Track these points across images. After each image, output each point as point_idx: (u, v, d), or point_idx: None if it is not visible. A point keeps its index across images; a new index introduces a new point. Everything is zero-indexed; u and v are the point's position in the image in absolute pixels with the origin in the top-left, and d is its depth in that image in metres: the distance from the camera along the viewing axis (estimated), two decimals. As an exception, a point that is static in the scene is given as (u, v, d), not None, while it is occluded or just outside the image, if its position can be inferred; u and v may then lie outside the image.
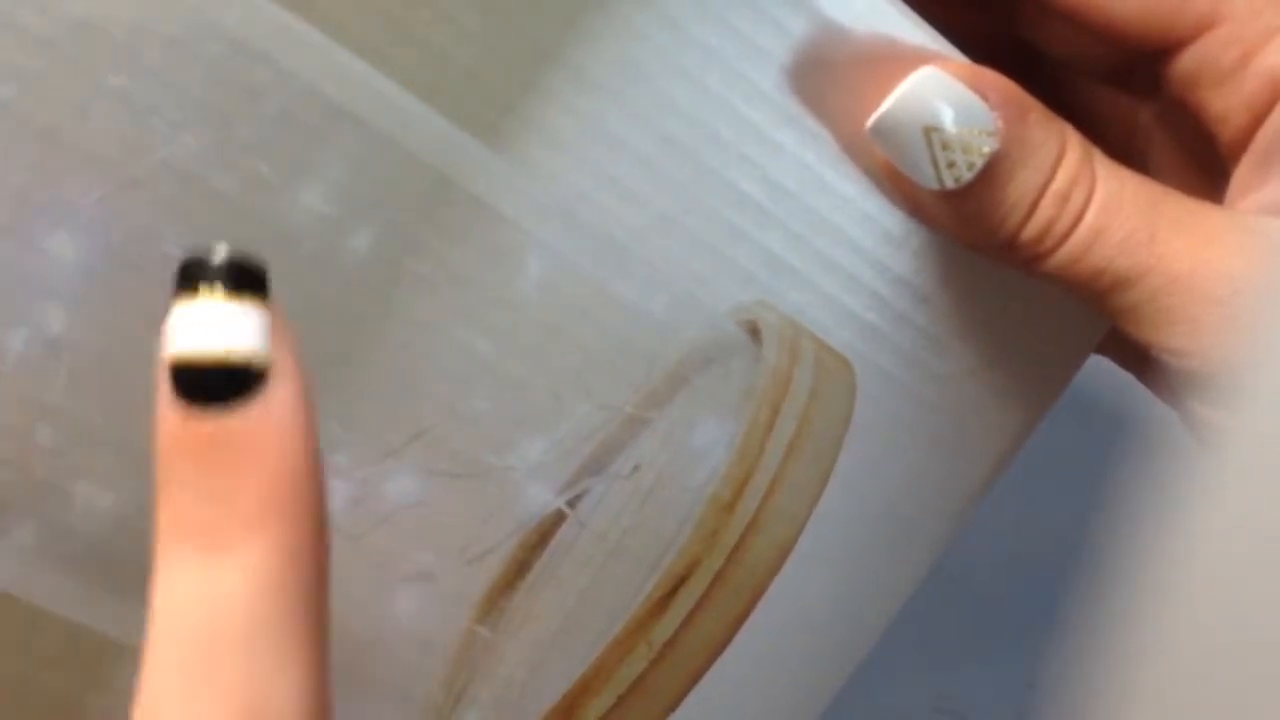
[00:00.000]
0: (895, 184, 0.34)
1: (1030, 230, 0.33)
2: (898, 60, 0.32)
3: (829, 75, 0.33)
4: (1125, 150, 0.35)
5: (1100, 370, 0.39)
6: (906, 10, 0.33)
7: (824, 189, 0.33)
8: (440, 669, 0.34)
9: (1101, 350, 0.38)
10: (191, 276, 0.25)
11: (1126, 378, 0.39)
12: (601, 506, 0.34)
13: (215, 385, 0.25)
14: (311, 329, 0.30)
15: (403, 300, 0.31)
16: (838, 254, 0.34)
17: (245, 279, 0.25)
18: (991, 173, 0.32)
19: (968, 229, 0.33)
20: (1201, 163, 0.35)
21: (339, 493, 0.31)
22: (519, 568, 0.34)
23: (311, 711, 0.25)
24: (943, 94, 0.32)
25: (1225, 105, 0.34)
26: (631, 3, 0.31)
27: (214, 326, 0.25)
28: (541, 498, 0.33)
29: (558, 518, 0.34)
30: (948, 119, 0.32)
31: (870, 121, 0.32)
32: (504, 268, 0.31)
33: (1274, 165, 0.34)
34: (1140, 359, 0.36)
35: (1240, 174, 0.34)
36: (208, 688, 0.24)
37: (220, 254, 0.25)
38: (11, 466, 0.29)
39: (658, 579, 0.35)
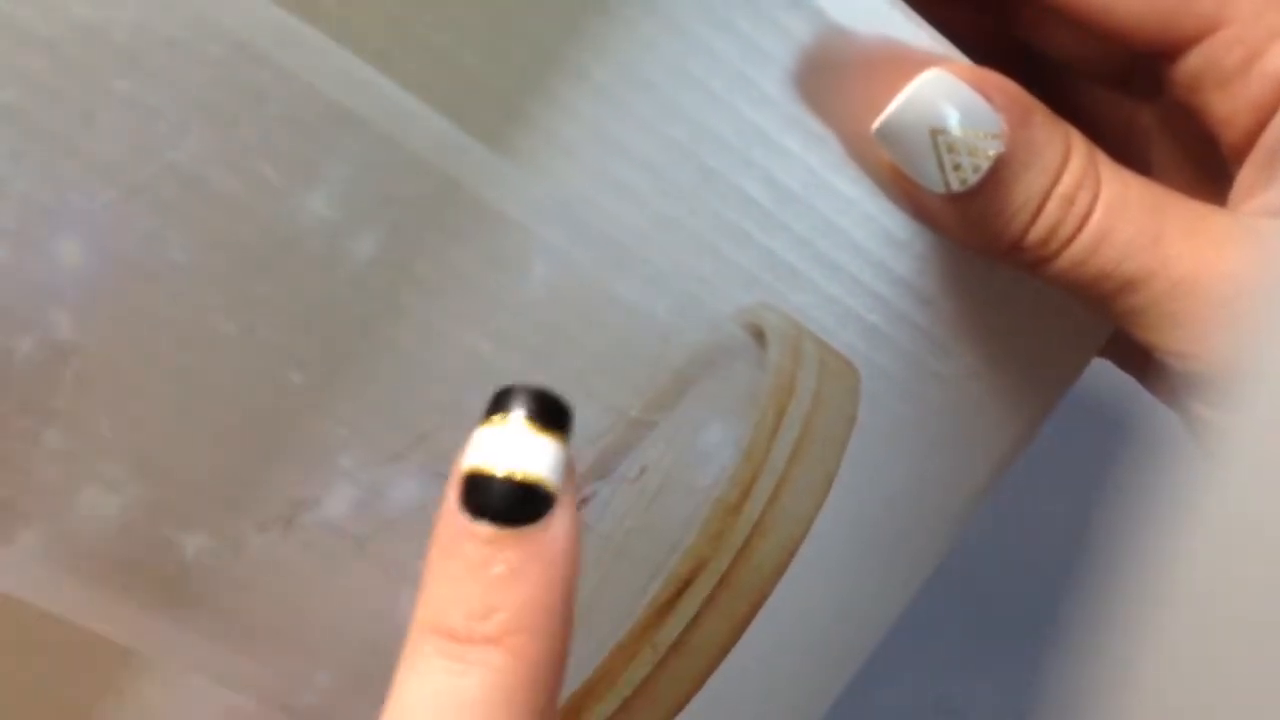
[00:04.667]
0: (900, 187, 0.34)
1: (1036, 233, 0.33)
2: (903, 63, 0.32)
3: (834, 78, 0.33)
4: (1127, 153, 0.35)
5: (1101, 371, 0.39)
6: (910, 13, 0.33)
7: (828, 191, 0.33)
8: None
9: (1101, 352, 0.38)
10: (504, 403, 0.27)
11: (1127, 379, 0.39)
12: (607, 509, 0.34)
13: (504, 499, 0.27)
14: (316, 332, 0.30)
15: (407, 303, 0.31)
16: (841, 256, 0.34)
17: (554, 414, 0.27)
18: (997, 175, 0.32)
19: (973, 231, 0.33)
20: (1204, 165, 0.35)
21: (344, 495, 0.31)
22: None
23: None
24: (948, 96, 0.32)
25: (1229, 108, 0.34)
26: (636, 6, 0.31)
27: (515, 449, 0.27)
28: None
29: None
30: (953, 122, 0.32)
31: (876, 124, 0.32)
32: (508, 270, 0.31)
33: (1278, 168, 0.34)
34: (1141, 361, 0.36)
35: (1244, 176, 0.34)
36: None
37: (532, 388, 0.27)
38: (19, 470, 0.29)
39: (663, 582, 0.35)
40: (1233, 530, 0.20)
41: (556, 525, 0.27)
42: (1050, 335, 0.37)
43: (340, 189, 0.29)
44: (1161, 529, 0.20)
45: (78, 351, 0.29)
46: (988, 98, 0.32)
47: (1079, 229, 0.33)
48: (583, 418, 0.33)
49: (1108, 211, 0.33)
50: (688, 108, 0.32)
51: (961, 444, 0.37)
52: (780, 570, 0.36)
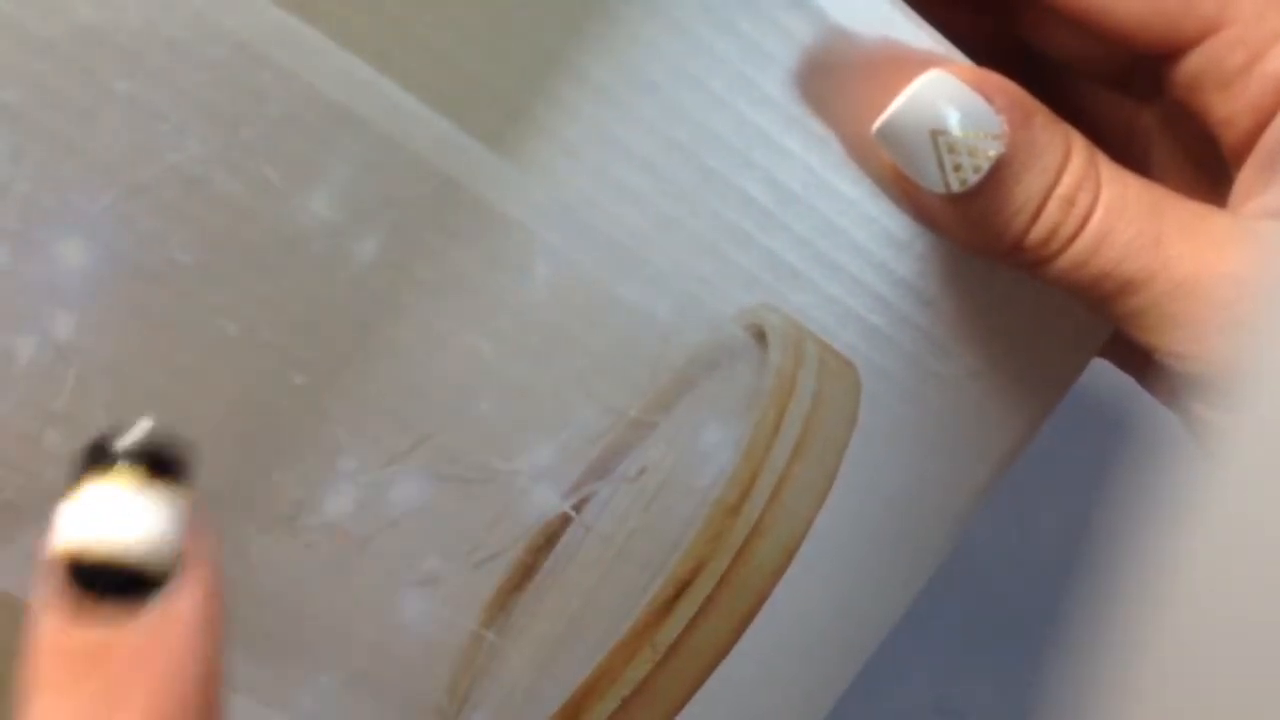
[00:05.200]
0: (901, 187, 0.34)
1: (1036, 234, 0.33)
2: (903, 64, 0.32)
3: (834, 79, 0.33)
4: (1127, 154, 0.35)
5: (1101, 372, 0.39)
6: (910, 14, 0.33)
7: (829, 192, 0.33)
8: (445, 673, 0.34)
9: (1101, 353, 0.38)
10: (98, 457, 0.23)
11: (1127, 379, 0.39)
12: (607, 510, 0.34)
13: (108, 584, 0.23)
14: (317, 333, 0.30)
15: (408, 304, 0.31)
16: (842, 257, 0.34)
17: (160, 464, 0.23)
18: (997, 176, 0.32)
19: (973, 232, 0.33)
20: (1204, 167, 0.35)
21: (346, 496, 0.31)
22: (524, 571, 0.34)
23: None
24: (949, 97, 0.32)
25: (1230, 109, 0.34)
26: (637, 7, 0.31)
27: (115, 516, 0.22)
28: (547, 501, 0.33)
29: (563, 521, 0.34)
30: (954, 122, 0.32)
31: (876, 125, 0.32)
32: (510, 272, 0.31)
33: (1278, 169, 0.34)
34: (1140, 362, 0.36)
35: (1244, 178, 0.34)
36: None
37: (134, 435, 0.23)
38: (20, 471, 0.29)
39: (663, 582, 0.35)
40: (1233, 530, 0.20)
41: (179, 600, 0.23)
42: (1050, 336, 0.37)
43: (341, 190, 0.29)
44: (1161, 529, 0.20)
45: (79, 352, 0.29)
46: (988, 99, 0.32)
47: (1079, 230, 0.33)
48: (583, 418, 0.33)
49: (1108, 213, 0.33)
50: (689, 108, 0.32)
51: (962, 444, 0.37)
52: (780, 571, 0.36)
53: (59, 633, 0.23)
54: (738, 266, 0.33)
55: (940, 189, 0.32)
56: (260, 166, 0.29)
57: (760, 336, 0.34)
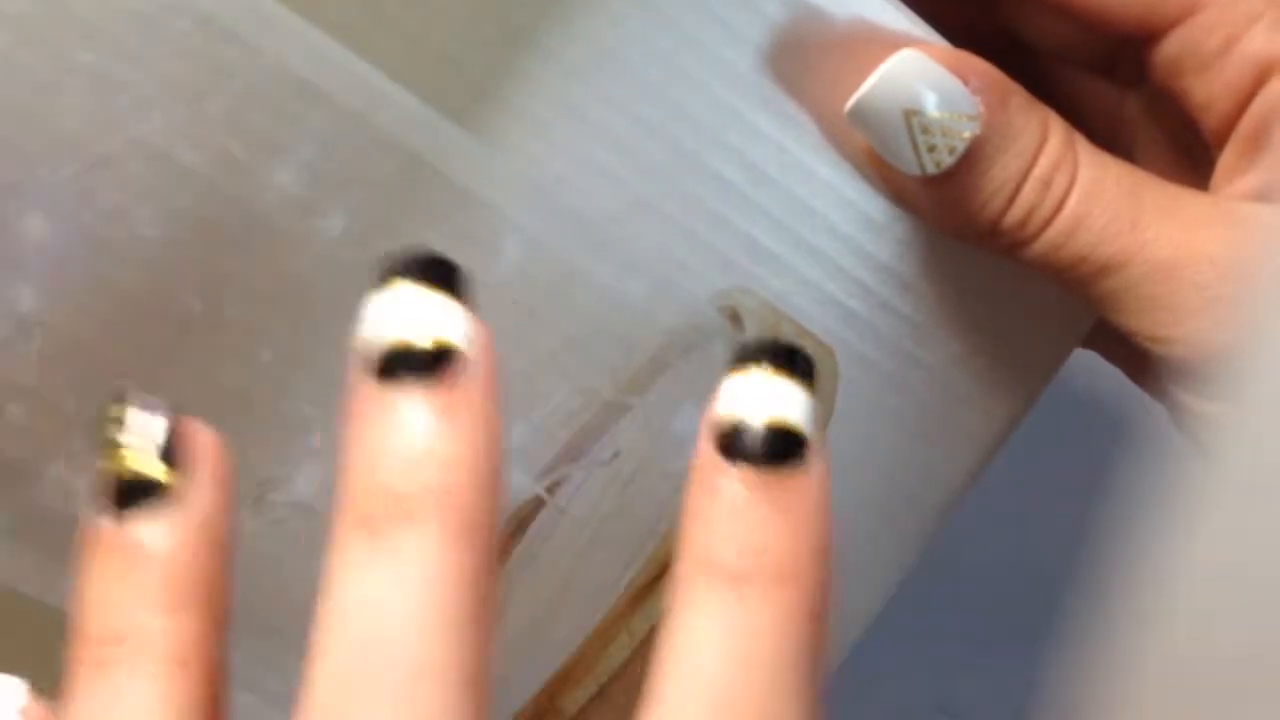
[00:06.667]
0: (876, 169, 0.33)
1: (1012, 216, 0.33)
2: (877, 43, 0.32)
3: (808, 59, 0.32)
4: (1110, 139, 0.35)
5: (1100, 370, 0.38)
6: None
7: (804, 174, 0.33)
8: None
9: (1089, 345, 0.38)
10: (750, 354, 0.27)
11: (1126, 379, 0.38)
12: (581, 493, 0.34)
13: (764, 444, 0.26)
14: (284, 310, 0.30)
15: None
16: (819, 240, 0.34)
17: (795, 361, 0.27)
18: (973, 158, 0.32)
19: (949, 215, 0.33)
20: (1186, 150, 0.35)
21: (313, 474, 0.31)
22: (497, 554, 0.34)
23: None
24: (923, 77, 0.32)
25: (1208, 92, 0.33)
26: None
27: (769, 396, 0.27)
28: (519, 483, 0.33)
29: (536, 504, 0.33)
30: (928, 102, 0.32)
31: (849, 104, 0.32)
32: (479, 251, 0.31)
33: (1258, 151, 0.33)
34: (1130, 354, 0.36)
35: (1225, 160, 0.34)
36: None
37: (768, 340, 0.27)
38: None
39: (639, 567, 0.35)
40: (1232, 528, 0.19)
41: (814, 469, 0.27)
42: (1033, 322, 0.37)
43: (308, 166, 0.29)
44: (1161, 528, 0.20)
45: (42, 326, 0.29)
46: (964, 79, 0.32)
47: (1056, 212, 0.33)
48: (555, 399, 0.33)
49: (1085, 195, 0.33)
50: (660, 87, 0.32)
51: (943, 432, 0.37)
52: (759, 557, 0.36)
53: (721, 476, 0.26)
54: (712, 248, 0.33)
55: (915, 170, 0.32)
56: (225, 141, 0.29)
57: (735, 319, 0.34)
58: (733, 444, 0.26)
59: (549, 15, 0.30)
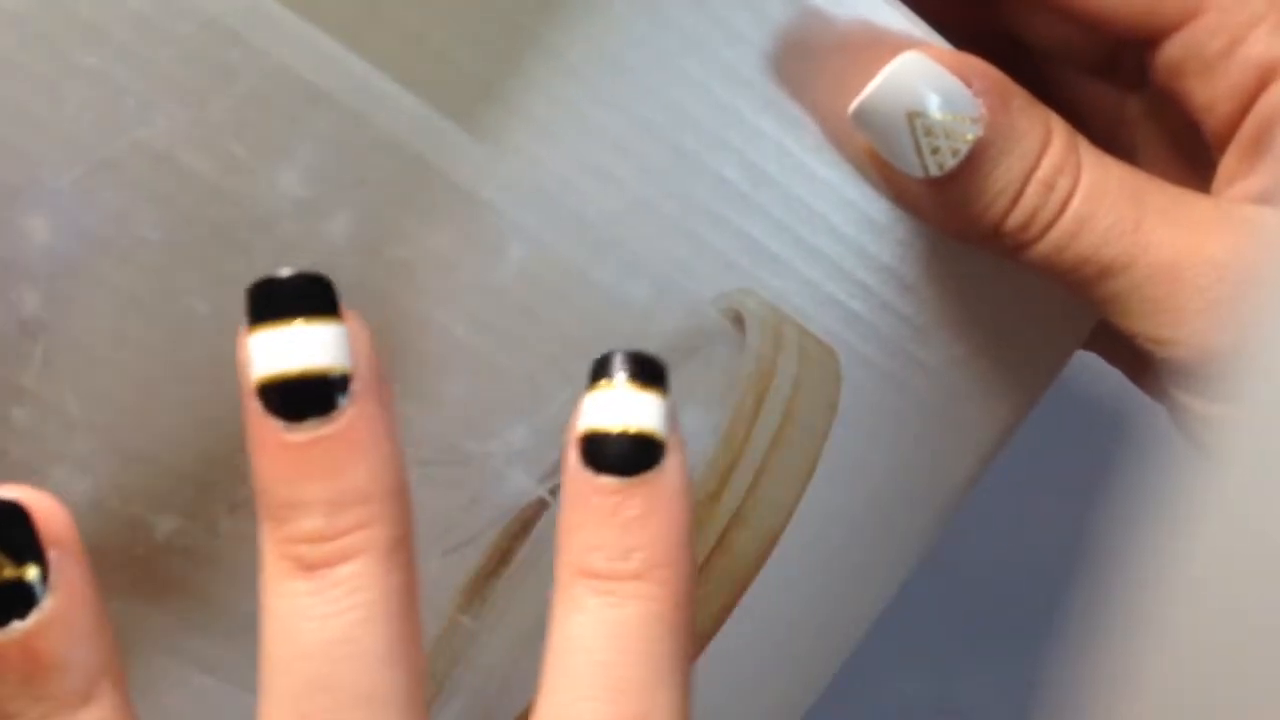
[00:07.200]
0: (879, 171, 0.33)
1: (1015, 218, 0.33)
2: (881, 46, 0.32)
3: (811, 61, 0.32)
4: (1113, 142, 0.35)
5: (1100, 371, 0.38)
6: None
7: (806, 175, 0.33)
8: (421, 657, 0.34)
9: (1091, 347, 0.38)
10: (606, 369, 0.30)
11: (1126, 379, 0.38)
12: None
13: (622, 452, 0.29)
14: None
15: (379, 284, 0.31)
16: (820, 241, 0.34)
17: (653, 372, 0.30)
18: (976, 160, 0.32)
19: (952, 217, 0.33)
20: (1188, 153, 0.35)
21: None
22: (501, 556, 0.34)
23: None
24: (926, 79, 0.32)
25: (1211, 94, 0.33)
26: None
27: (624, 407, 0.30)
28: (522, 485, 0.33)
29: (539, 506, 0.33)
30: (931, 104, 0.32)
31: (853, 106, 0.32)
32: (482, 252, 0.31)
33: (1260, 154, 0.33)
34: (1131, 355, 0.36)
35: (1226, 163, 0.34)
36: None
37: (629, 352, 0.30)
38: None
39: (641, 569, 0.35)
40: (1233, 529, 0.19)
41: (670, 469, 0.29)
42: (1035, 323, 0.37)
43: (311, 168, 0.29)
44: (1161, 528, 0.20)
45: (46, 330, 0.29)
46: (966, 82, 0.32)
47: (1059, 214, 0.33)
48: (558, 400, 0.33)
49: (1087, 197, 0.33)
50: (662, 89, 0.32)
51: (945, 433, 0.37)
52: (760, 560, 0.36)
53: (586, 488, 0.29)
54: (715, 250, 0.33)
55: (917, 172, 0.32)
56: (229, 144, 0.29)
57: (738, 321, 0.34)
58: (595, 456, 0.29)
59: (551, 17, 0.30)
